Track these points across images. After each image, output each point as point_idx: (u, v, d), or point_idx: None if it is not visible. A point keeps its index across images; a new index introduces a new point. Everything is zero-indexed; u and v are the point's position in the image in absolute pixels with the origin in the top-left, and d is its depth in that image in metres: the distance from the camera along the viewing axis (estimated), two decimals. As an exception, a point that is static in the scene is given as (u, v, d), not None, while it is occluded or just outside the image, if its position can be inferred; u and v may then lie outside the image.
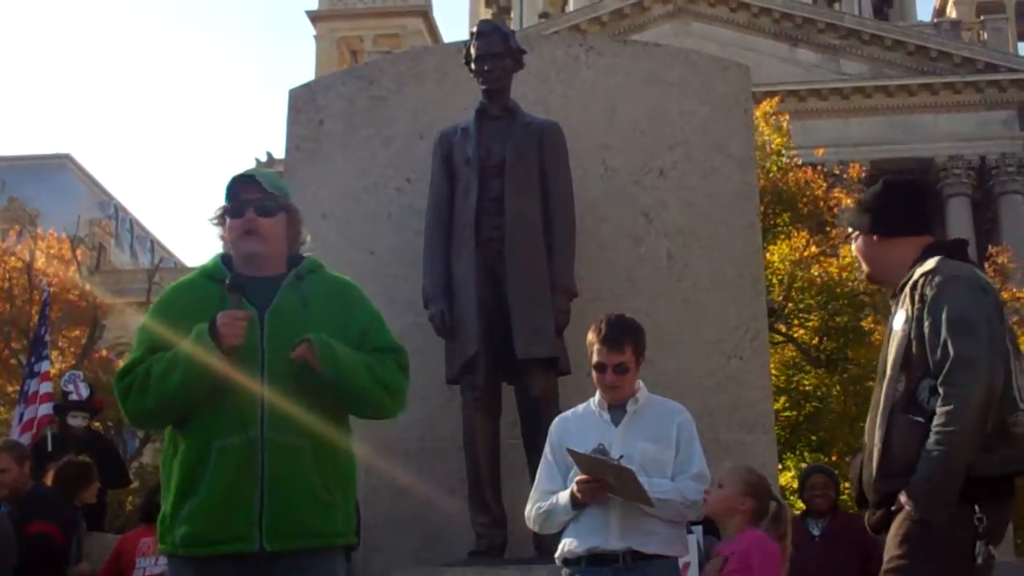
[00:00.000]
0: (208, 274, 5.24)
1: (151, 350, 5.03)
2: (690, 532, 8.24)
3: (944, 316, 5.08)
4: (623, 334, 6.49)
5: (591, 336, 6.54)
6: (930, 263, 5.29)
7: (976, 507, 5.00)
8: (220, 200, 5.30)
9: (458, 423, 9.17)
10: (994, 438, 5.01)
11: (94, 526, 11.90)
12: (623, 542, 6.19)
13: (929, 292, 5.18)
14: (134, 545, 10.27)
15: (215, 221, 5.29)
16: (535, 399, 8.87)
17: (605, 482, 6.17)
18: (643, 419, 6.42)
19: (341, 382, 5.01)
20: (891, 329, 5.39)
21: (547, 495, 6.50)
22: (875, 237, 5.61)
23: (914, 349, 5.17)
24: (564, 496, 6.36)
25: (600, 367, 6.46)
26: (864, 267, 5.77)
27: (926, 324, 5.14)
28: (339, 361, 4.99)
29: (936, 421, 4.97)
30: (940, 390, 5.00)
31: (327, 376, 4.96)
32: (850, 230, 5.80)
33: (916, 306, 5.22)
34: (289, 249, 5.32)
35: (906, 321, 5.25)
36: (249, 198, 5.18)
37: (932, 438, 4.97)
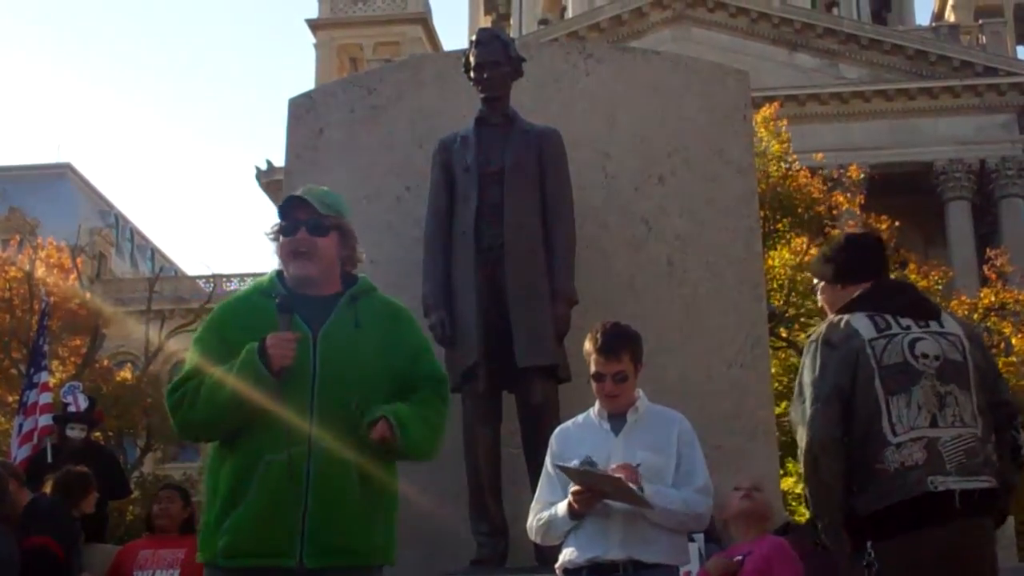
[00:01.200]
0: (262, 291, 5.28)
1: (204, 365, 5.07)
2: (692, 540, 8.23)
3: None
4: (620, 342, 6.45)
5: (588, 346, 6.50)
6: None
7: (868, 545, 5.33)
8: (271, 216, 5.39)
9: (459, 432, 9.15)
10: (866, 476, 5.37)
11: (95, 537, 11.87)
12: (624, 551, 6.14)
13: None
14: (132, 557, 10.22)
15: (271, 236, 5.35)
16: (535, 407, 8.86)
17: (600, 491, 6.15)
18: (643, 428, 6.36)
19: (410, 452, 5.24)
20: None
21: (547, 506, 6.47)
22: (839, 286, 5.95)
23: None
24: (562, 507, 6.33)
25: (598, 377, 6.42)
26: (829, 313, 5.98)
27: None
28: (409, 432, 5.12)
29: None
30: None
31: (400, 449, 5.13)
32: (815, 280, 6.17)
33: None
34: (343, 267, 5.36)
35: None
36: (301, 217, 5.23)
37: None
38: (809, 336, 5.94)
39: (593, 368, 6.46)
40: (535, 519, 6.53)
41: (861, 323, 5.64)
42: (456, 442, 9.20)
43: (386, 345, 5.21)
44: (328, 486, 4.96)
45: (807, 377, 5.66)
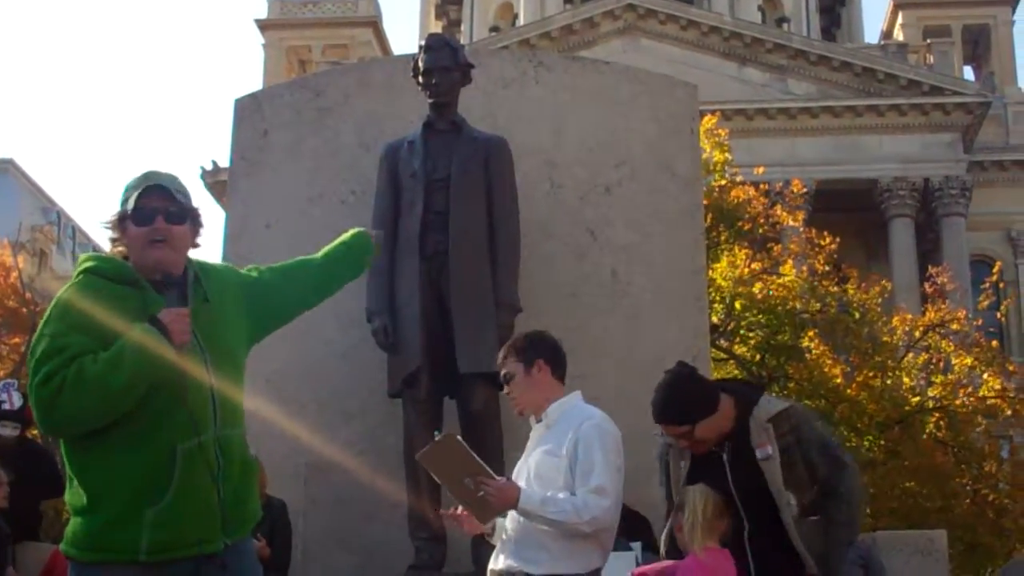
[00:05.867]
0: (109, 276, 5.01)
1: (74, 356, 4.77)
2: (629, 548, 8.25)
3: None
4: (506, 346, 6.38)
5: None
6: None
7: None
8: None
9: (400, 437, 9.15)
10: None
11: (29, 535, 11.78)
12: (516, 562, 5.95)
13: None
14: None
15: (108, 226, 5.11)
16: (476, 413, 8.88)
17: (456, 474, 5.90)
18: (552, 431, 6.15)
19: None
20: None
21: None
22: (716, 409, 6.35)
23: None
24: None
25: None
26: (707, 442, 6.41)
27: None
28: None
29: None
30: None
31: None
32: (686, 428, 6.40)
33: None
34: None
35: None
36: (157, 205, 5.02)
37: None
38: (773, 421, 6.28)
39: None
40: None
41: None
42: (397, 447, 9.20)
43: (234, 308, 5.22)
44: (234, 465, 4.97)
45: (823, 434, 6.49)
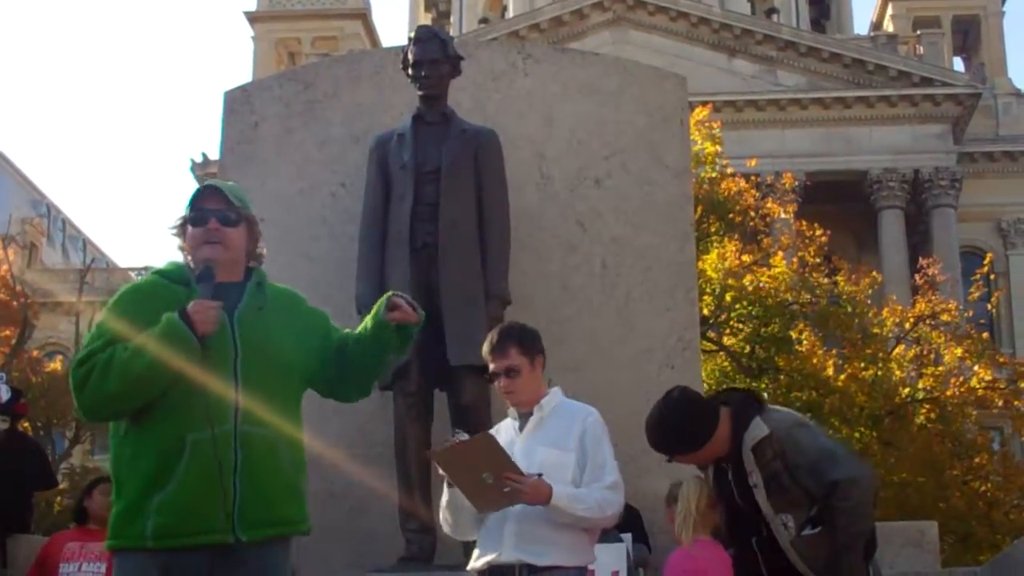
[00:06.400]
0: (169, 277, 5.29)
1: (111, 342, 5.03)
2: (619, 540, 8.26)
3: None
4: (504, 338, 6.37)
5: (484, 349, 6.45)
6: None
7: None
8: (178, 207, 5.46)
9: (390, 429, 9.16)
10: None
11: (20, 528, 11.79)
12: (516, 555, 5.99)
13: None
14: (59, 549, 10.13)
15: (175, 231, 5.36)
16: (467, 406, 8.88)
17: (474, 469, 5.91)
18: (547, 424, 6.22)
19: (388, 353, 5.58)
20: None
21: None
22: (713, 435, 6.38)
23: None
24: (444, 493, 6.27)
25: (493, 375, 6.35)
26: (699, 467, 6.75)
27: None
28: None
29: None
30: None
31: (396, 343, 5.55)
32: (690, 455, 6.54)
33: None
34: (247, 259, 5.42)
35: None
36: (212, 207, 5.27)
37: None
38: (756, 449, 6.31)
39: (490, 369, 6.41)
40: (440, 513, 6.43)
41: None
42: (387, 440, 9.20)
43: (294, 328, 5.35)
44: (256, 463, 4.99)
45: (823, 442, 6.44)
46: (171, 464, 4.92)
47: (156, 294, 5.21)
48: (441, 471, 6.07)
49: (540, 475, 5.97)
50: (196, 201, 5.30)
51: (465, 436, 6.04)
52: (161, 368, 4.91)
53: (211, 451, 4.90)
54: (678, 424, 6.39)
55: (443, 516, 6.36)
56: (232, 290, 5.21)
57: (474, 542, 6.35)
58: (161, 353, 4.90)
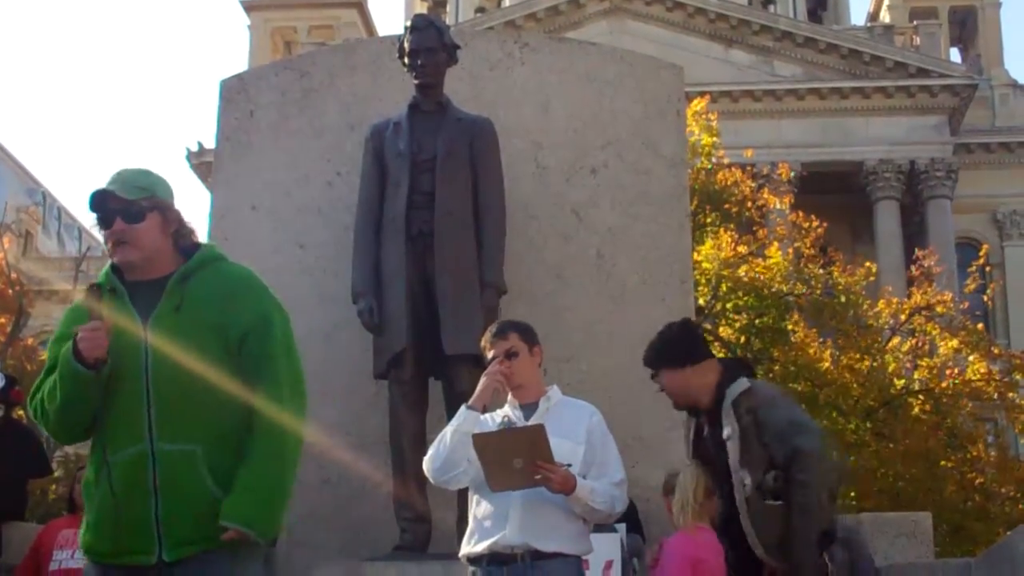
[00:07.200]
0: (103, 286, 5.03)
1: (53, 368, 4.94)
2: (614, 530, 8.26)
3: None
4: (505, 326, 6.50)
5: (483, 343, 6.51)
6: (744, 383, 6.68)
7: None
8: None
9: (385, 418, 9.16)
10: None
11: (14, 515, 11.77)
12: (521, 538, 6.04)
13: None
14: (52, 537, 10.13)
15: (97, 228, 5.10)
16: (462, 395, 8.83)
17: (508, 459, 5.97)
18: (555, 416, 6.28)
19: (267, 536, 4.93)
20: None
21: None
22: (688, 368, 6.81)
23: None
24: (459, 415, 6.27)
25: (494, 359, 6.38)
26: (675, 398, 6.93)
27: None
28: (263, 508, 4.84)
29: None
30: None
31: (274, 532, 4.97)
32: (651, 371, 6.97)
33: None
34: (177, 244, 5.10)
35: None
36: (113, 207, 4.98)
37: None
38: (734, 402, 6.60)
39: (488, 356, 6.42)
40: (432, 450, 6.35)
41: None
42: (382, 428, 9.21)
43: (211, 327, 4.95)
44: (176, 482, 4.79)
45: (798, 413, 6.78)
46: (97, 483, 4.86)
47: (96, 303, 4.95)
48: (478, 451, 6.06)
49: (569, 465, 6.06)
50: (95, 205, 4.99)
51: (517, 424, 6.22)
52: (71, 401, 4.81)
53: (126, 472, 4.78)
54: (672, 338, 6.92)
55: (437, 448, 6.28)
56: (154, 289, 4.97)
57: (464, 527, 6.38)
58: (63, 388, 4.79)
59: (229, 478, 4.84)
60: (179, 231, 5.12)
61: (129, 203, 5.00)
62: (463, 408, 6.28)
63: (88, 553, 4.92)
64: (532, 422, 6.24)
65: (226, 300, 5.02)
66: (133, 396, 4.82)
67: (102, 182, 5.10)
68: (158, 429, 4.80)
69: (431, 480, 6.46)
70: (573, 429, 6.26)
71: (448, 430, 6.28)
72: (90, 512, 4.90)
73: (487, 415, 6.42)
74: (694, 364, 6.82)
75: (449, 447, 6.22)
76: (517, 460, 5.96)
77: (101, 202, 5.01)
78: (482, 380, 6.31)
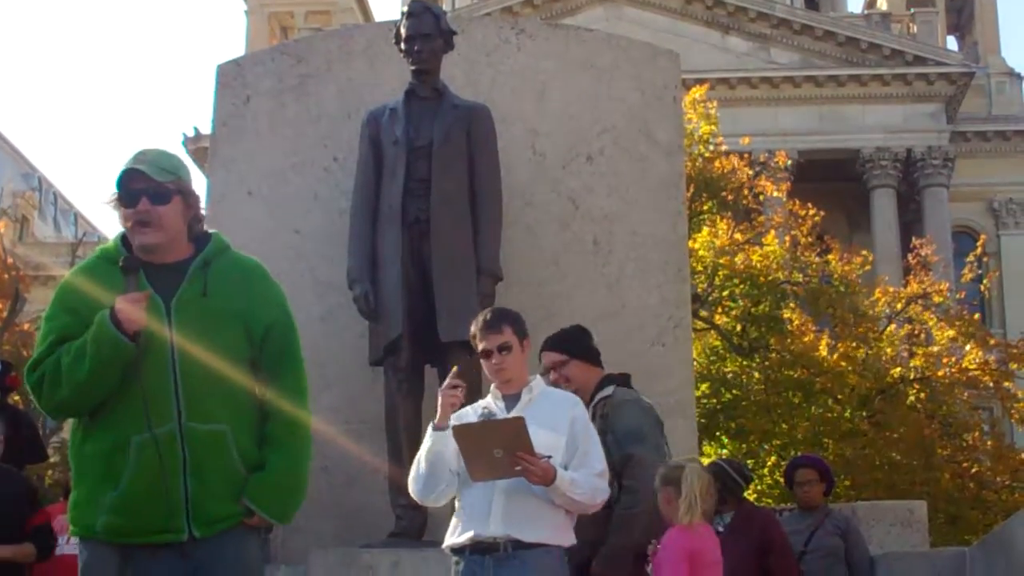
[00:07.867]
0: (109, 257, 5.06)
1: (60, 340, 4.91)
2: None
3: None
4: (500, 317, 6.45)
5: (472, 330, 6.49)
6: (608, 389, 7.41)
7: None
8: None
9: (380, 405, 9.16)
10: None
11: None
12: (503, 528, 6.04)
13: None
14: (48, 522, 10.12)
15: (112, 205, 5.06)
16: (458, 382, 8.86)
17: (489, 449, 5.99)
18: (537, 407, 6.28)
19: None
20: None
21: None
22: (592, 366, 7.59)
23: None
24: (427, 436, 6.25)
25: (485, 354, 6.37)
26: (574, 387, 7.29)
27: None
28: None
29: None
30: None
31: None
32: (563, 357, 7.53)
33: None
34: (191, 230, 5.13)
35: None
36: (140, 187, 4.96)
37: None
38: (595, 405, 7.30)
39: (480, 348, 6.41)
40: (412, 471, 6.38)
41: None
42: (377, 415, 9.20)
43: (238, 314, 5.04)
44: (206, 460, 4.87)
45: (643, 425, 7.38)
46: (119, 464, 4.82)
47: (94, 279, 5.02)
48: (458, 440, 6.06)
49: (549, 457, 6.05)
50: (122, 183, 5.00)
51: (497, 416, 6.21)
52: (102, 372, 4.79)
53: (154, 452, 4.78)
54: (568, 331, 7.72)
55: (416, 470, 6.30)
56: (172, 272, 5.00)
57: (451, 515, 6.37)
58: (97, 357, 4.77)
59: (251, 458, 5.00)
60: (195, 216, 5.15)
61: (157, 184, 4.99)
62: (430, 430, 6.25)
63: (110, 534, 4.86)
64: (514, 414, 6.22)
65: (247, 290, 5.13)
66: (159, 376, 4.85)
67: (125, 161, 5.07)
68: (187, 409, 4.85)
69: (419, 502, 6.58)
70: (555, 420, 6.25)
71: (421, 453, 6.30)
72: (110, 492, 4.84)
73: (469, 407, 6.42)
74: (597, 367, 7.63)
75: (426, 469, 6.24)
76: (497, 451, 5.97)
77: (128, 181, 4.99)
78: (440, 399, 6.24)
